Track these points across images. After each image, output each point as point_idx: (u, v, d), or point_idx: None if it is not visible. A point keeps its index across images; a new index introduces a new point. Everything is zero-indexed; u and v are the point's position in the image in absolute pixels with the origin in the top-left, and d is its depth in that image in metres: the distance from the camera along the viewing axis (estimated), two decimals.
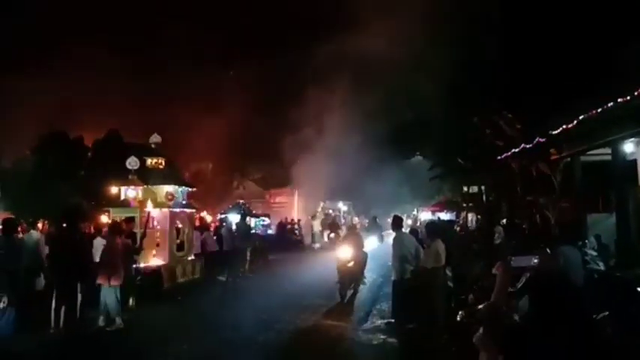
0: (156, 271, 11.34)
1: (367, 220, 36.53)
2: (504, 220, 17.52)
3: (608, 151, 12.12)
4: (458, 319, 5.34)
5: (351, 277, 11.14)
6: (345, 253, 11.23)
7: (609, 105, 9.59)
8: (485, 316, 4.51)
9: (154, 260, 11.61)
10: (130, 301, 9.74)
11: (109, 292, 8.49)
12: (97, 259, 8.89)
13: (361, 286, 11.65)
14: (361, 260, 11.41)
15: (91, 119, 20.52)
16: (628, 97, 8.91)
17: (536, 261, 6.15)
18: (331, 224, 24.76)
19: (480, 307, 4.76)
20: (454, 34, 19.57)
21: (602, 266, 10.10)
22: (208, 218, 19.84)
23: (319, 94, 27.17)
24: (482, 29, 18.60)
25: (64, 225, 8.24)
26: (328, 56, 25.53)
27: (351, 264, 11.05)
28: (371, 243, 15.20)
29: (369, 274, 12.90)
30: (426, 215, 31.59)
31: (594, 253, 10.54)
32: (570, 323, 3.76)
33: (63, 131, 20.30)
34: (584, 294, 6.69)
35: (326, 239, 23.96)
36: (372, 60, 25.08)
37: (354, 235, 12.42)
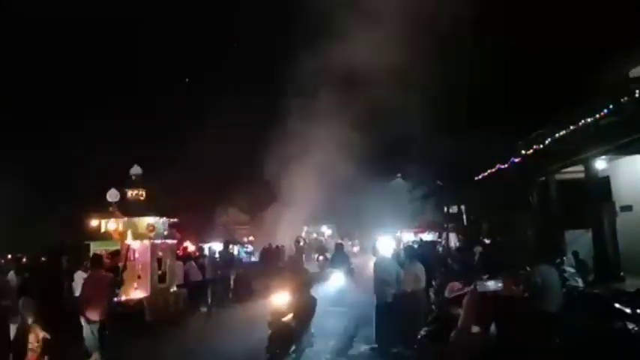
0: (138, 304, 11.18)
1: (351, 243, 36.53)
2: (485, 240, 17.74)
3: (582, 168, 12.51)
4: (418, 337, 5.38)
5: (288, 337, 7.68)
6: (280, 300, 7.81)
7: (580, 124, 9.96)
8: (454, 341, 4.54)
9: (135, 293, 11.46)
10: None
11: (87, 327, 8.33)
12: (77, 293, 8.77)
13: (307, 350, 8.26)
14: (305, 310, 7.94)
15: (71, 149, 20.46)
16: (597, 116, 9.28)
17: (500, 285, 6.20)
18: (319, 247, 26.16)
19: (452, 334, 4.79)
20: (433, 57, 20.04)
21: (580, 283, 10.29)
22: (191, 247, 19.68)
23: (301, 118, 27.37)
24: (456, 54, 19.09)
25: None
26: (309, 80, 25.80)
27: (288, 317, 7.66)
28: (335, 280, 11.60)
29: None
30: (408, 236, 31.73)
31: (572, 270, 10.74)
32: (537, 348, 3.84)
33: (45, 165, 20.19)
34: (562, 313, 6.83)
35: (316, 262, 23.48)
36: (353, 81, 25.41)
37: (296, 269, 9.54)
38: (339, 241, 23.10)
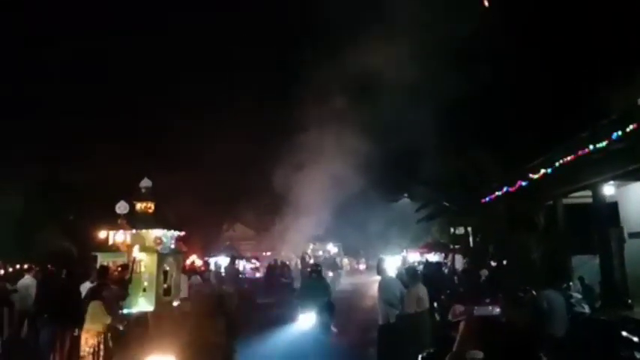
0: (142, 317, 11.19)
1: (357, 261, 36.42)
2: (492, 262, 17.65)
3: (589, 193, 12.48)
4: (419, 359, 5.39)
5: None
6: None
7: (588, 149, 9.97)
8: None
9: (140, 305, 11.48)
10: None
11: None
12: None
13: None
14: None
15: (82, 162, 20.62)
16: (605, 142, 9.30)
17: (498, 310, 6.18)
18: (332, 264, 29.14)
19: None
20: (436, 75, 20.17)
21: (587, 309, 10.21)
22: (198, 262, 19.74)
23: (309, 135, 27.54)
24: (463, 72, 19.22)
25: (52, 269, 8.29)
26: (316, 95, 26.01)
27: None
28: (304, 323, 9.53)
29: None
30: (414, 256, 31.60)
31: (579, 296, 10.67)
32: None
33: (54, 178, 20.27)
34: (567, 339, 6.81)
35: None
36: (353, 99, 25.60)
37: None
38: (311, 261, 23.62)
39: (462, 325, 4.85)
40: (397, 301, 8.31)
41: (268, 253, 31.21)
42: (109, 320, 7.51)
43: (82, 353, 7.36)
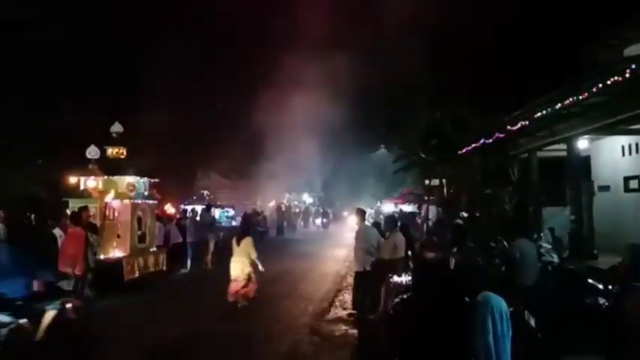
0: (116, 263, 11.13)
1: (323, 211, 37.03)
2: (464, 213, 17.97)
3: (564, 147, 12.63)
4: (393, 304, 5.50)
5: None
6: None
7: (565, 102, 9.97)
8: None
9: (114, 252, 11.39)
10: (88, 291, 9.50)
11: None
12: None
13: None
14: None
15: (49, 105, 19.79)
16: (585, 95, 9.29)
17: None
18: (323, 212, 35.09)
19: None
20: (419, 32, 19.82)
21: (556, 258, 10.52)
22: (171, 210, 19.54)
23: (284, 84, 27.03)
24: (443, 29, 18.89)
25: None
26: (293, 45, 25.37)
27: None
28: None
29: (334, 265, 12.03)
30: (388, 207, 32.01)
31: (549, 246, 10.96)
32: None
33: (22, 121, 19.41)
34: (536, 287, 6.98)
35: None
36: (337, 50, 25.09)
37: None
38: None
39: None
40: (374, 249, 8.40)
41: (245, 203, 31.21)
42: (254, 255, 9.15)
43: (233, 277, 9.09)
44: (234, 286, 9.05)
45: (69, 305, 7.08)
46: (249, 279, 9.12)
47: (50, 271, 7.42)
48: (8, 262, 6.43)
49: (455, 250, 7.04)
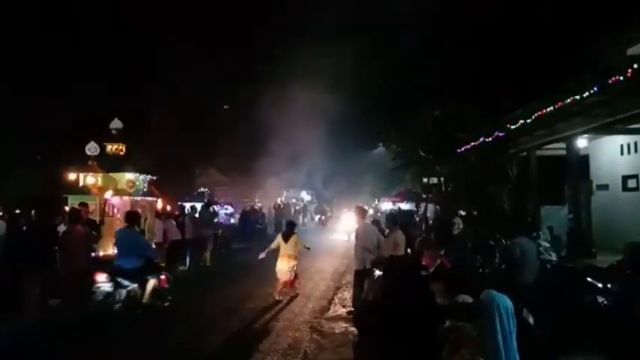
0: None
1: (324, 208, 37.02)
2: (462, 212, 17.97)
3: (563, 145, 12.66)
4: None
5: None
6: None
7: (565, 102, 9.99)
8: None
9: (113, 249, 11.35)
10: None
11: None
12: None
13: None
14: None
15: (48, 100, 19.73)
16: (585, 94, 9.30)
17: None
18: (321, 209, 35.55)
19: None
20: (418, 27, 19.80)
21: (554, 257, 10.55)
22: (169, 207, 19.48)
23: (282, 82, 27.00)
24: (445, 25, 18.88)
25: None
26: (291, 45, 25.36)
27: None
28: None
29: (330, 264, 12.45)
30: (387, 205, 32.02)
31: (547, 244, 10.98)
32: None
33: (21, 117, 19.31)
34: (534, 285, 7.01)
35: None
36: (335, 47, 25.05)
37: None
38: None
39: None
40: (374, 247, 8.40)
41: (243, 200, 31.18)
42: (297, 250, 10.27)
43: (279, 272, 10.08)
44: (281, 283, 10.13)
45: (162, 277, 9.00)
46: (292, 272, 10.17)
47: (153, 252, 9.39)
48: (125, 244, 8.43)
49: (442, 252, 7.00)
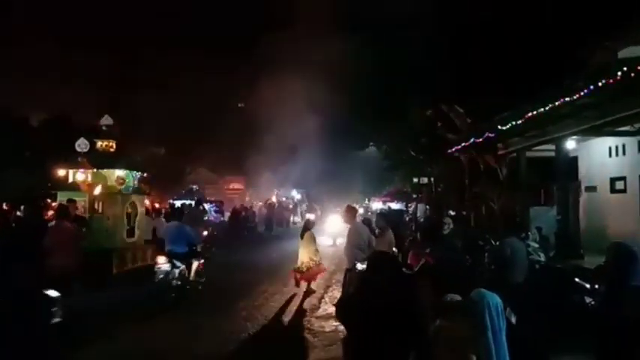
0: (105, 257, 11.04)
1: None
2: (451, 212, 18.07)
3: (552, 147, 12.73)
4: None
5: None
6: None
7: (556, 103, 10.05)
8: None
9: (102, 246, 11.29)
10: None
11: None
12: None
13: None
14: None
15: (37, 98, 19.51)
16: (574, 97, 9.37)
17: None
18: (310, 207, 33.89)
19: None
20: (409, 29, 19.86)
21: (542, 257, 10.63)
22: (157, 205, 19.42)
23: (274, 82, 26.95)
24: (435, 26, 18.95)
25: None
26: (280, 45, 25.35)
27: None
28: None
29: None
30: (377, 205, 32.14)
31: (536, 245, 11.04)
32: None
33: (6, 108, 19.00)
34: (523, 285, 7.07)
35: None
36: (325, 50, 25.10)
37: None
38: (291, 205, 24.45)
39: None
40: (365, 246, 8.41)
41: (234, 197, 31.16)
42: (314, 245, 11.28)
43: (298, 264, 11.04)
44: (299, 275, 10.96)
45: (201, 261, 10.65)
46: (315, 264, 11.10)
47: (197, 239, 10.84)
48: (175, 233, 9.98)
49: (428, 250, 7.02)
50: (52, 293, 6.45)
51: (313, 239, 11.36)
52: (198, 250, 10.59)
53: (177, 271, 9.58)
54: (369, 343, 3.63)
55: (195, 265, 10.34)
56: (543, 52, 14.06)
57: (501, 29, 15.31)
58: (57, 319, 6.27)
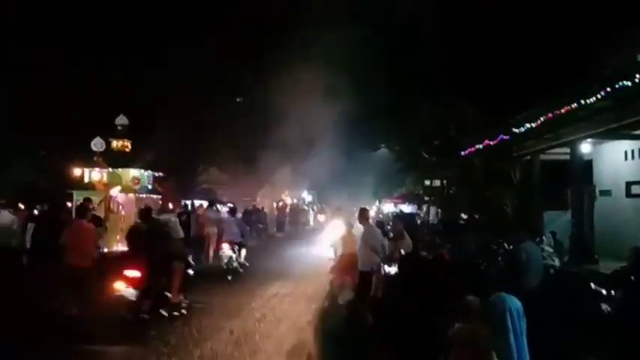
0: (119, 257, 11.12)
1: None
2: (464, 214, 18.00)
3: (567, 150, 12.65)
4: None
5: None
6: None
7: (572, 107, 9.99)
8: None
9: (117, 245, 11.40)
10: None
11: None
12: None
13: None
14: None
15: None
16: (591, 100, 9.30)
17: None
18: (320, 209, 36.01)
19: None
20: (425, 29, 19.77)
21: (557, 262, 10.58)
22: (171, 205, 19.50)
23: (286, 80, 26.91)
24: (450, 26, 18.86)
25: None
26: (294, 46, 25.31)
27: None
28: None
29: None
30: (388, 207, 32.05)
31: (550, 250, 11.01)
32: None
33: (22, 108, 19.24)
34: (538, 290, 7.03)
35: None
36: (338, 50, 25.03)
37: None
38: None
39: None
40: (380, 249, 8.40)
41: (245, 199, 31.20)
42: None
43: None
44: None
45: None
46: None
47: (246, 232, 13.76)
48: (234, 226, 12.87)
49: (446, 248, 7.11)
50: None
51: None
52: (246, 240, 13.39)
53: (234, 255, 12.42)
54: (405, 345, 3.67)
55: (244, 251, 13.21)
56: (557, 54, 13.95)
57: (517, 30, 15.20)
58: None
